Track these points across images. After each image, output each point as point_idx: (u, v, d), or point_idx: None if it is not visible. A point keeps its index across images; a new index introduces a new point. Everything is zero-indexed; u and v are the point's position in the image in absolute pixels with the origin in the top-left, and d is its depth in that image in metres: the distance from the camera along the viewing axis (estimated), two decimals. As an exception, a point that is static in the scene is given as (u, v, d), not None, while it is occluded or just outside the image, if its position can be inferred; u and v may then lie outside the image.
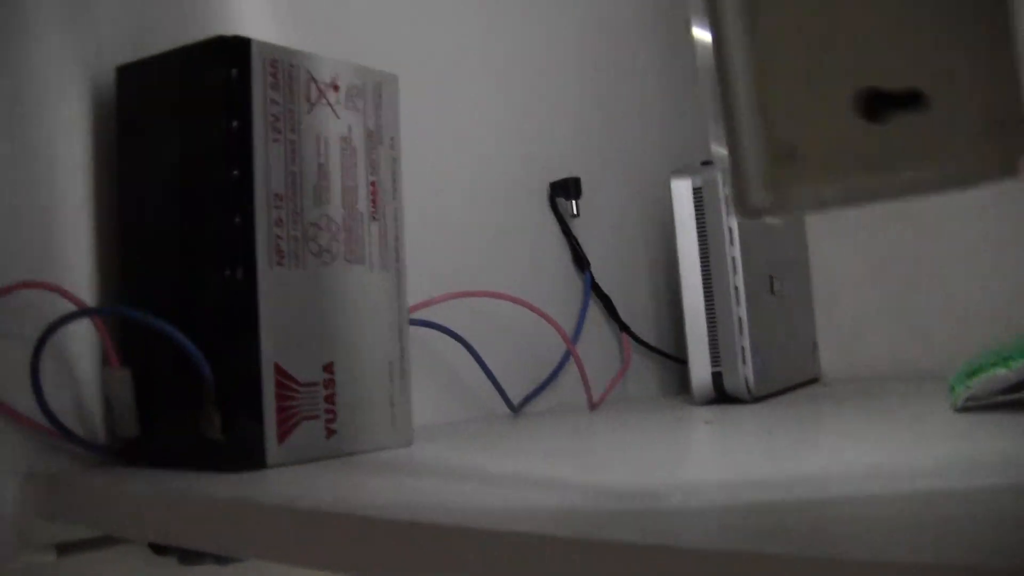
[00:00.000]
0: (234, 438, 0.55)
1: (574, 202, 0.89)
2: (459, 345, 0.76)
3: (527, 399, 0.83)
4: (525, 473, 0.52)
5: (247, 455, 0.56)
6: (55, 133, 0.61)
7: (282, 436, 0.57)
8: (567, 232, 0.90)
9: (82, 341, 0.61)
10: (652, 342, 0.97)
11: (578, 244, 0.90)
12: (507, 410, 0.82)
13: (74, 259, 0.61)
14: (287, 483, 0.52)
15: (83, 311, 0.59)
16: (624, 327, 0.93)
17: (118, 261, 0.61)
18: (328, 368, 0.60)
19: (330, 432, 0.59)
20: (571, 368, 0.87)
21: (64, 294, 0.59)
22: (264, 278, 0.56)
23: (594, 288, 0.91)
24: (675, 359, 0.99)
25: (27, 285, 0.58)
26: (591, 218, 0.93)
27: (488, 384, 0.79)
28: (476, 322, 0.79)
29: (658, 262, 1.02)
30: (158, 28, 0.65)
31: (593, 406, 0.85)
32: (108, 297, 0.61)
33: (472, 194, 0.84)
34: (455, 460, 0.58)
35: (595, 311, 0.92)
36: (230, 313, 0.56)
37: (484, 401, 0.82)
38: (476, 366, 0.78)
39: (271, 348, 0.56)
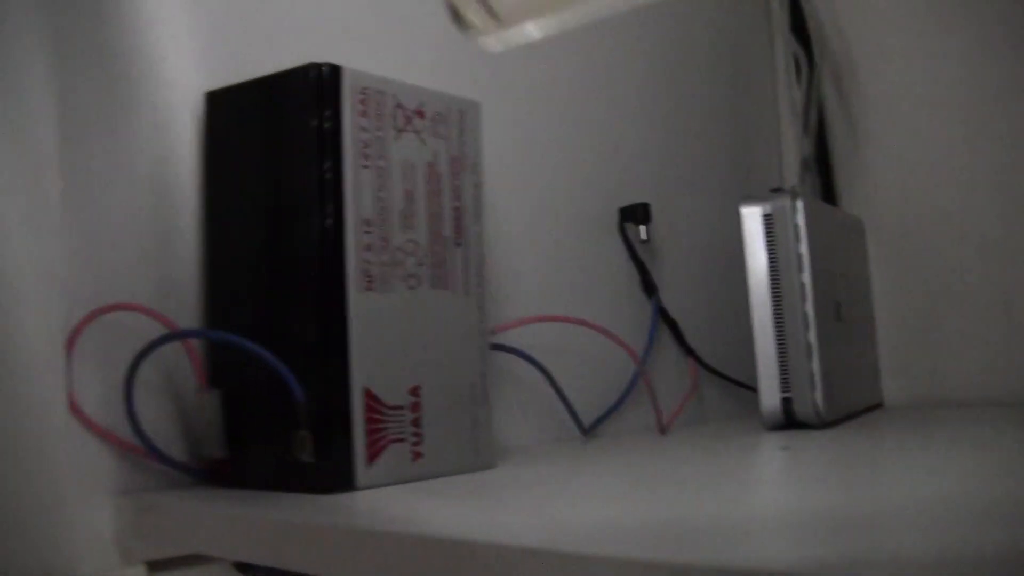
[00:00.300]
0: (324, 460, 0.56)
1: (643, 227, 0.89)
2: (526, 368, 0.76)
3: (597, 422, 0.84)
4: (613, 496, 0.52)
5: (337, 477, 0.57)
6: (144, 157, 0.62)
7: (371, 458, 0.58)
8: (635, 257, 0.91)
9: (171, 363, 0.62)
10: (717, 366, 0.97)
11: (646, 269, 0.91)
12: (575, 433, 0.82)
13: (164, 282, 0.62)
14: (378, 506, 0.53)
15: (178, 333, 0.60)
16: (690, 351, 0.93)
17: (205, 285, 0.62)
18: (414, 391, 0.60)
19: (416, 455, 0.60)
20: (637, 392, 0.87)
21: (156, 317, 0.60)
22: (354, 303, 0.57)
23: (661, 313, 0.91)
24: (740, 384, 0.99)
25: (120, 307, 0.59)
26: (658, 243, 0.94)
27: (556, 407, 0.80)
28: (544, 345, 0.80)
29: (724, 287, 1.02)
30: (246, 56, 0.66)
31: (662, 429, 0.85)
32: (195, 321, 0.62)
33: (542, 219, 0.85)
34: (540, 483, 0.59)
35: (661, 335, 0.92)
36: (322, 338, 0.56)
37: (552, 424, 0.82)
38: (542, 389, 0.78)
39: (361, 372, 0.57)
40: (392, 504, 0.53)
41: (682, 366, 0.93)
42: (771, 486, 0.58)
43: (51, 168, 0.57)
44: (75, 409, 0.57)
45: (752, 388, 0.97)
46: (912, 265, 1.05)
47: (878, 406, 1.03)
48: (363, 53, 0.72)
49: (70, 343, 0.57)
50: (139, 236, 0.61)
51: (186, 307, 0.62)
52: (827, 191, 1.04)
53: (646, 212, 0.89)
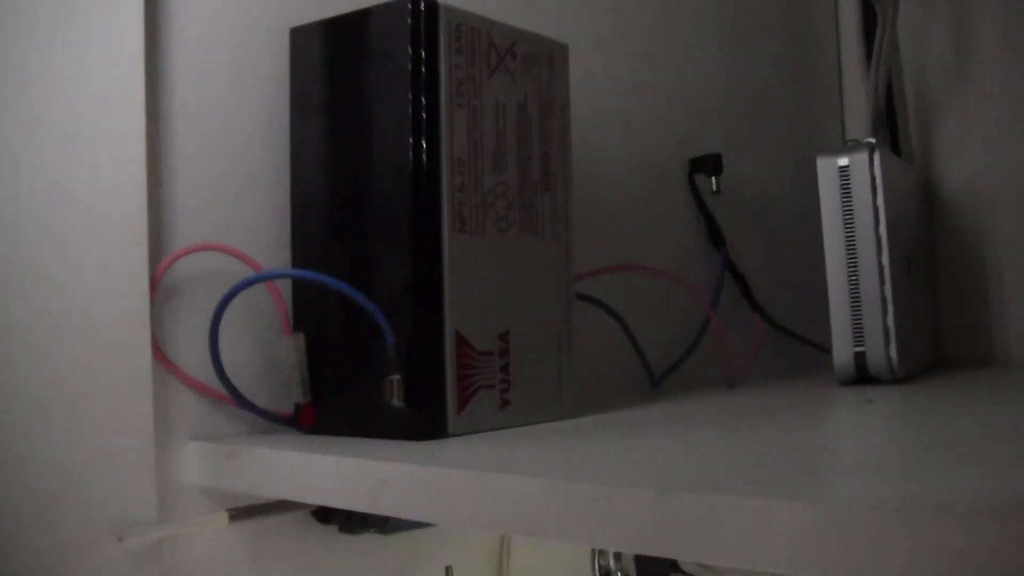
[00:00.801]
0: (416, 407, 0.55)
1: (714, 178, 0.88)
2: (592, 315, 0.75)
3: (666, 373, 0.82)
4: (734, 447, 0.51)
5: (428, 424, 0.55)
6: (227, 95, 0.60)
7: (461, 405, 0.56)
8: (703, 208, 0.89)
9: (255, 306, 0.60)
10: (781, 322, 0.95)
11: (715, 221, 0.89)
12: (640, 383, 0.81)
13: (248, 222, 0.60)
14: (475, 453, 0.51)
15: (266, 274, 0.58)
16: (756, 306, 0.91)
17: (291, 225, 0.60)
18: (503, 337, 0.59)
19: (504, 403, 0.59)
20: (701, 345, 0.86)
21: (241, 257, 0.58)
22: (449, 245, 0.56)
23: (728, 265, 0.90)
24: (804, 340, 0.97)
25: (204, 247, 0.58)
26: (727, 195, 0.92)
27: (621, 356, 0.79)
28: (614, 294, 0.78)
29: (789, 241, 1.00)
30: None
31: (731, 383, 0.84)
32: (280, 262, 0.61)
33: (613, 168, 0.83)
34: (624, 434, 0.57)
35: (727, 288, 0.91)
36: (416, 279, 0.55)
37: (616, 373, 0.81)
38: (608, 337, 0.77)
39: (454, 316, 0.56)
40: (490, 449, 0.52)
41: (747, 320, 0.91)
42: (883, 435, 0.56)
43: (134, 107, 0.55)
44: (158, 354, 0.56)
45: (815, 344, 0.96)
46: (974, 223, 1.03)
47: (940, 363, 1.02)
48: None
49: (153, 285, 0.56)
50: (223, 175, 0.59)
51: (270, 248, 0.61)
52: (893, 145, 1.02)
53: (717, 163, 0.87)
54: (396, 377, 0.54)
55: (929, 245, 1.02)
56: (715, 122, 0.93)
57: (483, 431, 0.58)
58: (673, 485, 0.39)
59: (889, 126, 1.01)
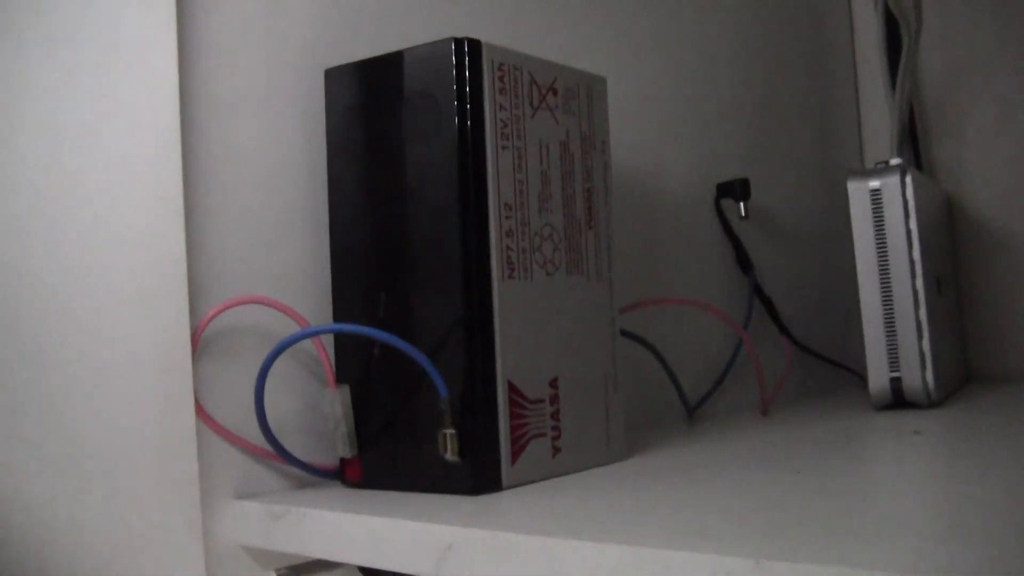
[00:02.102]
0: (470, 460, 0.53)
1: (742, 204, 0.86)
2: (627, 347, 0.73)
3: (700, 403, 0.81)
4: (781, 495, 0.49)
5: (482, 477, 0.54)
6: (263, 140, 0.58)
7: (514, 457, 0.55)
8: (731, 233, 0.88)
9: (297, 358, 0.58)
10: (810, 345, 0.94)
11: (742, 246, 0.88)
12: (676, 412, 0.79)
13: (288, 271, 0.59)
14: (536, 509, 0.50)
15: (313, 330, 0.56)
16: (784, 329, 0.90)
17: (332, 272, 0.59)
18: (553, 383, 0.57)
19: (556, 450, 0.57)
20: (732, 371, 0.85)
21: (285, 311, 0.57)
22: (499, 293, 0.54)
23: (756, 290, 0.88)
24: (835, 363, 0.96)
25: (245, 301, 0.56)
26: (754, 220, 0.91)
27: (655, 386, 0.77)
28: (645, 324, 0.76)
29: (816, 264, 0.99)
30: (359, 33, 0.62)
31: (765, 410, 0.83)
32: (321, 311, 0.59)
33: (643, 195, 0.81)
34: (689, 484, 0.56)
35: (756, 313, 0.89)
36: (468, 330, 0.53)
37: (651, 404, 0.79)
38: (643, 369, 0.75)
39: (506, 366, 0.54)
40: (545, 505, 0.50)
41: (777, 345, 0.89)
42: (947, 481, 0.54)
43: (171, 155, 0.53)
44: (201, 411, 0.54)
45: (846, 367, 0.95)
46: (997, 239, 1.02)
47: (968, 380, 1.01)
48: (467, 26, 0.69)
49: (195, 341, 0.54)
50: (260, 222, 0.58)
51: (311, 295, 0.59)
52: (916, 162, 1.01)
53: (745, 188, 0.86)
54: (451, 431, 0.52)
55: (954, 261, 1.01)
56: (742, 146, 0.92)
57: (535, 481, 0.56)
58: (767, 552, 0.37)
59: (911, 142, 1.00)
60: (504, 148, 0.55)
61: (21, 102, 0.49)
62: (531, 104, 0.57)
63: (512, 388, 0.55)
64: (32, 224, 0.49)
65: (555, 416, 0.57)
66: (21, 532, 0.48)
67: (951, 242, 1.01)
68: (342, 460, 0.57)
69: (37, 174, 0.49)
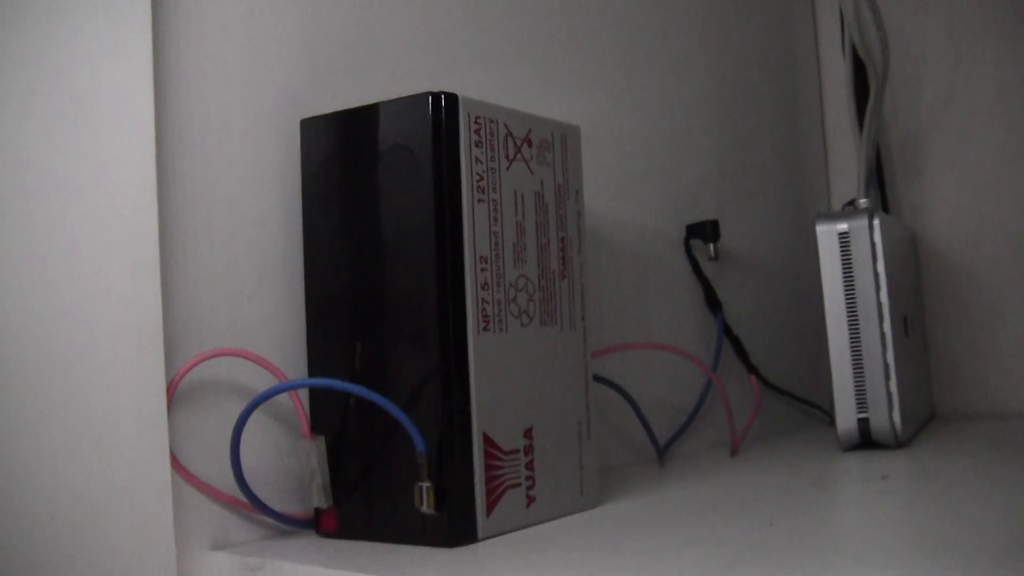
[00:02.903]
0: (445, 512, 0.53)
1: (711, 245, 0.87)
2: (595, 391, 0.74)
3: (668, 443, 0.82)
4: (769, 548, 0.49)
5: (458, 530, 0.54)
6: (239, 189, 0.58)
7: (489, 508, 0.55)
8: (699, 274, 0.88)
9: (271, 408, 0.58)
10: (777, 383, 0.95)
11: (711, 286, 0.88)
12: (645, 454, 0.80)
13: (263, 322, 0.59)
14: (504, 561, 0.50)
15: (289, 384, 0.56)
16: (752, 369, 0.91)
17: (306, 324, 0.59)
18: (527, 433, 0.58)
19: (530, 500, 0.57)
20: (701, 411, 0.85)
21: (260, 363, 0.57)
22: (474, 346, 0.54)
23: (725, 330, 0.89)
24: (804, 401, 0.97)
25: (221, 353, 0.56)
26: (724, 260, 0.92)
27: (624, 426, 0.78)
28: (613, 367, 0.77)
29: (782, 303, 1.00)
30: (333, 85, 0.63)
31: (734, 451, 0.83)
32: (296, 362, 0.59)
33: (612, 236, 0.82)
34: (656, 531, 0.56)
35: (725, 353, 0.90)
36: (443, 383, 0.53)
37: (620, 445, 0.80)
38: (611, 408, 0.76)
39: (481, 419, 0.54)
40: (520, 558, 0.51)
41: (746, 384, 0.90)
42: (918, 529, 0.55)
43: (148, 209, 0.53)
44: (176, 463, 0.54)
45: (814, 404, 0.96)
46: (962, 275, 1.03)
47: (932, 417, 1.02)
48: (442, 77, 0.69)
49: (170, 392, 0.54)
50: (235, 272, 0.58)
51: (286, 346, 0.59)
52: (882, 202, 1.02)
53: (715, 229, 0.87)
54: (427, 484, 0.53)
55: (919, 299, 1.03)
56: (711, 187, 0.93)
57: (510, 531, 0.56)
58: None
59: (878, 181, 1.01)
60: (480, 201, 0.55)
61: (-2, 157, 0.49)
62: (507, 156, 0.57)
63: (487, 440, 0.55)
64: (6, 276, 0.49)
65: (529, 466, 0.57)
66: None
67: (917, 280, 1.02)
68: (317, 510, 0.57)
69: (12, 225, 0.49)
